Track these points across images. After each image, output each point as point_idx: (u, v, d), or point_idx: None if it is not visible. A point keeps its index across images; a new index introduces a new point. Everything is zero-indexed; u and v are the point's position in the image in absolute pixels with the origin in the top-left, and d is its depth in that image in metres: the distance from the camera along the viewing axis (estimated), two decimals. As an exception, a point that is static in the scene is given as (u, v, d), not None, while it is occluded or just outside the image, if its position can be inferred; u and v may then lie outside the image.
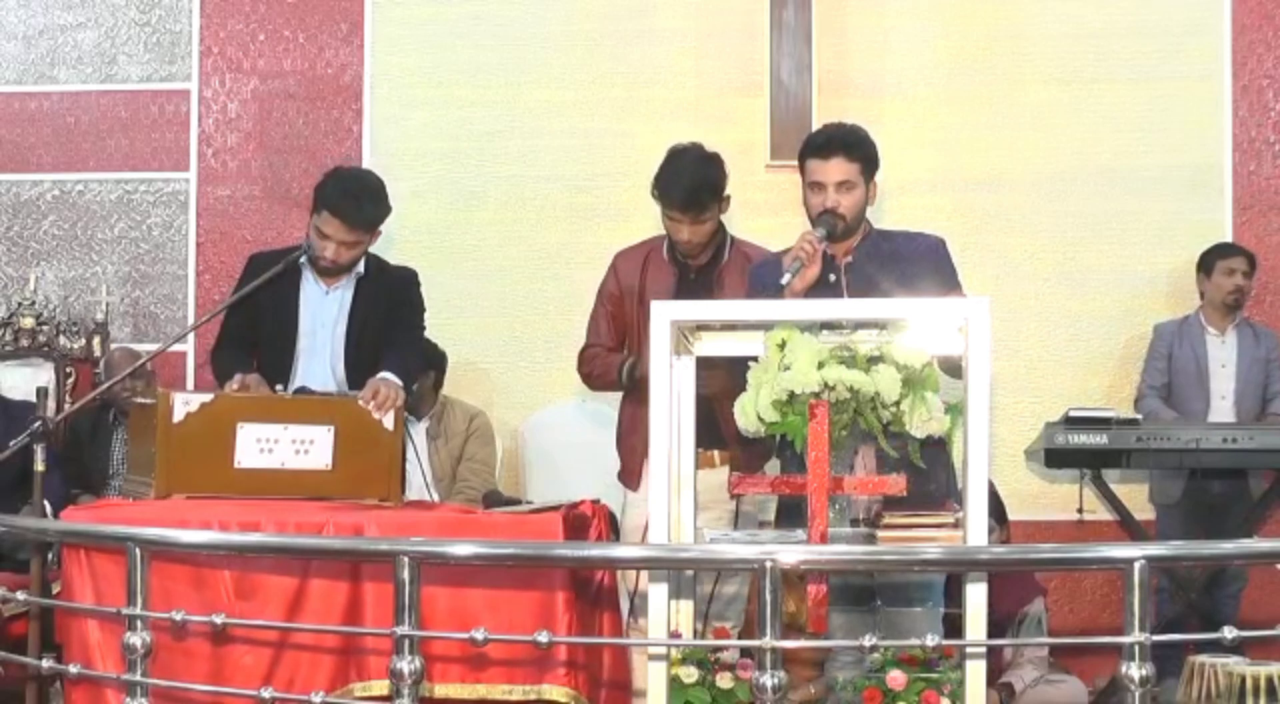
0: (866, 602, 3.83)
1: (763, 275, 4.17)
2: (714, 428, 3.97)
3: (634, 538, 4.33)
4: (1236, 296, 5.99)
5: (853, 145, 4.07)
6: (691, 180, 4.39)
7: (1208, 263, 6.04)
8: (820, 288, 3.93)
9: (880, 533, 3.36)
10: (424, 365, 5.21)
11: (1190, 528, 5.74)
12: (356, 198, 4.40)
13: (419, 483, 4.95)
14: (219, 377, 4.50)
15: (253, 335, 4.61)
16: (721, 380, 3.72)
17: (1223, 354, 6.00)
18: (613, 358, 4.58)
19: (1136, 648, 2.86)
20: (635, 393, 4.48)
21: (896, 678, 3.29)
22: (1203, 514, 5.80)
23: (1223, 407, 5.92)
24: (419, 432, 5.87)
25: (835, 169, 4.03)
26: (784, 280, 3.79)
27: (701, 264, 4.52)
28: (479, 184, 6.55)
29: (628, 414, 4.60)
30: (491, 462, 5.96)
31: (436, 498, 5.34)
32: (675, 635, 3.41)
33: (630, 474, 4.57)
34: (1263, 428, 5.50)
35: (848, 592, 3.77)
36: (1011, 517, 5.55)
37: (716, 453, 4.33)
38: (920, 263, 4.04)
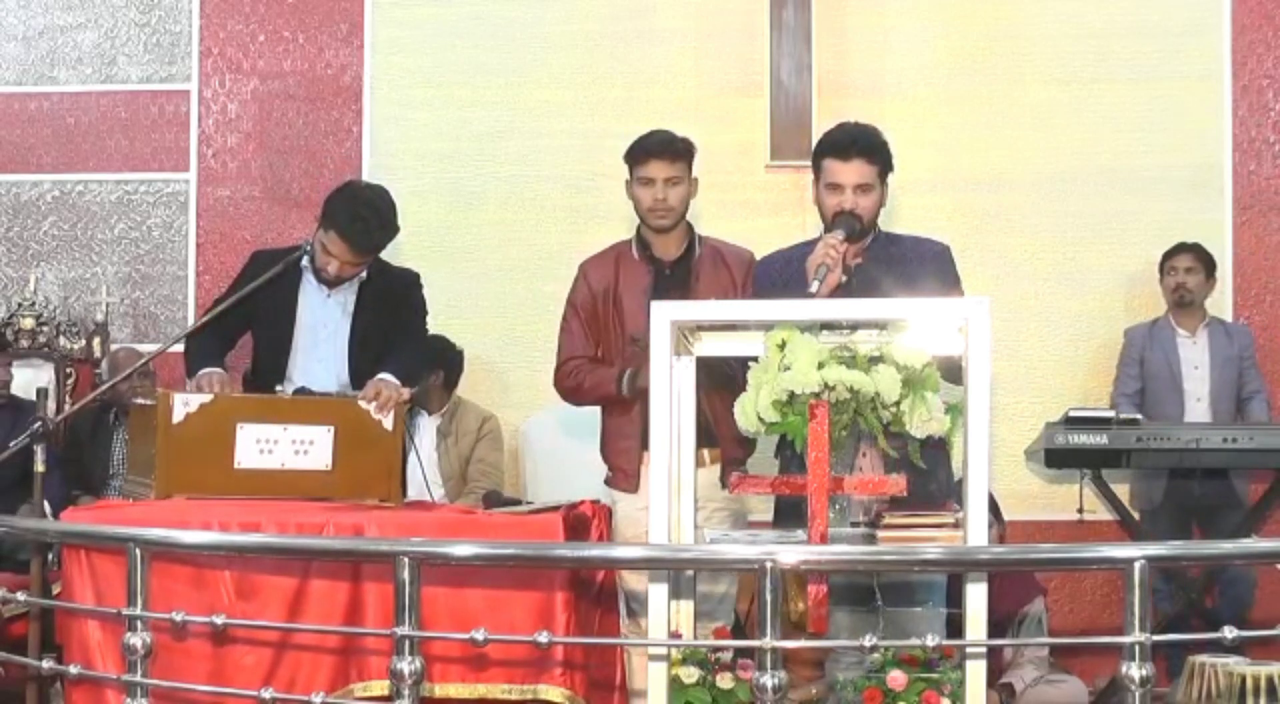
0: (868, 601, 3.82)
1: (770, 272, 4.16)
2: (706, 426, 3.94)
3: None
4: (1180, 293, 5.93)
5: (873, 148, 4.05)
6: (661, 136, 4.45)
7: (1162, 264, 6.02)
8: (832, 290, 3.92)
9: (880, 533, 3.36)
10: (427, 365, 5.22)
11: (1174, 533, 5.69)
12: (366, 223, 4.37)
13: (419, 480, 4.95)
14: (189, 361, 4.49)
15: (239, 329, 4.61)
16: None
17: (1194, 356, 5.95)
18: (603, 370, 4.45)
19: (1136, 648, 2.85)
20: (619, 400, 4.42)
21: (897, 678, 3.29)
22: (1186, 518, 5.78)
23: (1198, 409, 5.86)
24: (430, 426, 5.89)
25: (855, 171, 4.01)
26: (812, 288, 3.75)
27: (674, 260, 4.48)
28: (479, 184, 6.55)
29: (613, 420, 4.50)
30: (500, 465, 6.00)
31: (438, 496, 5.35)
32: (675, 635, 3.41)
33: (628, 477, 4.44)
34: (1264, 428, 5.47)
35: (851, 591, 3.76)
36: (1011, 517, 5.55)
37: (707, 451, 4.25)
38: (925, 267, 4.04)
